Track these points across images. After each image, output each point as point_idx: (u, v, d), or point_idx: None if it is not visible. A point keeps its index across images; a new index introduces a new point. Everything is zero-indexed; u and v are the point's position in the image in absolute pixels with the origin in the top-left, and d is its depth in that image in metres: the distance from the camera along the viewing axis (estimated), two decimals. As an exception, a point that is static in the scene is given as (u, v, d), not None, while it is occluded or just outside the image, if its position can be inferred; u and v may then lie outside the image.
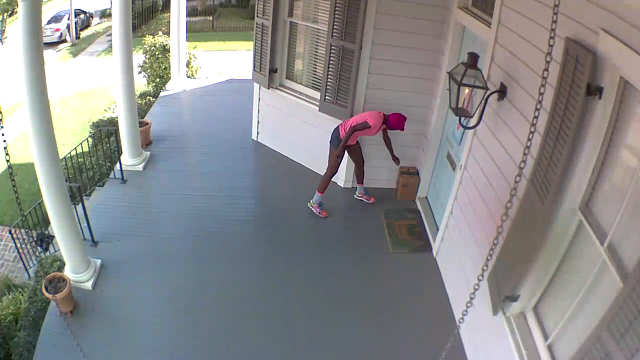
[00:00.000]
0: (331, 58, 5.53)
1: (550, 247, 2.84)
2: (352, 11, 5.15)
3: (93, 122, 9.20)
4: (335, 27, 5.35)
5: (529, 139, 2.00)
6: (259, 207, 6.04)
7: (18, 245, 6.58)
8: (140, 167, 6.33)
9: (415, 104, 5.53)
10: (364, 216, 5.72)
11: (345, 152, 5.49)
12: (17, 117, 11.49)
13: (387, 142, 5.45)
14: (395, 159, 5.55)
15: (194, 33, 16.14)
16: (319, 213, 5.63)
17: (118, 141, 6.27)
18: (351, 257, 5.12)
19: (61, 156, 5.28)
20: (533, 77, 3.13)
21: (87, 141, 7.31)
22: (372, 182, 5.89)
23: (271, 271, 4.89)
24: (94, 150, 7.87)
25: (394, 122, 5.13)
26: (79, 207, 4.89)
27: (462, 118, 3.72)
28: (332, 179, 5.65)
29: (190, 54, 9.80)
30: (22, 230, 6.56)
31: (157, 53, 9.65)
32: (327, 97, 5.73)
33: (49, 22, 19.18)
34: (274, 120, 6.83)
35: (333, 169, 5.46)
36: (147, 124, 6.94)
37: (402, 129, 5.20)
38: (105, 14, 23.01)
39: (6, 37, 19.23)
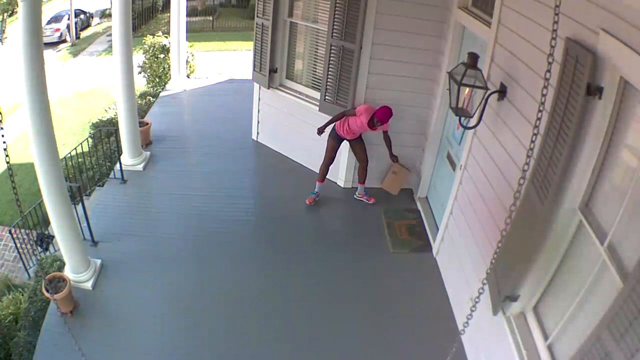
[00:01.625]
0: (331, 58, 5.53)
1: (550, 247, 2.84)
2: (352, 11, 5.15)
3: (93, 122, 9.19)
4: (335, 27, 5.35)
5: (532, 141, 1.99)
6: (259, 207, 6.05)
7: (18, 245, 6.59)
8: (140, 167, 6.33)
9: (415, 104, 5.54)
10: (364, 216, 5.72)
11: (350, 149, 5.62)
12: (17, 117, 11.49)
13: (387, 141, 5.44)
14: (393, 157, 5.55)
15: (193, 33, 16.11)
16: (310, 199, 5.78)
17: (118, 141, 6.27)
18: (351, 257, 5.12)
19: (61, 156, 5.28)
20: (533, 77, 3.13)
21: (87, 141, 7.31)
22: (372, 182, 5.89)
23: (271, 271, 4.90)
24: (94, 150, 7.86)
25: (379, 114, 5.03)
26: (79, 207, 4.89)
27: (462, 118, 3.72)
28: (333, 179, 5.66)
29: (187, 52, 9.80)
30: (22, 230, 6.56)
31: (157, 53, 9.64)
32: (327, 97, 5.73)
33: (49, 22, 19.15)
34: (274, 120, 6.82)
35: (328, 158, 5.61)
36: (147, 124, 6.94)
37: (385, 122, 5.08)
38: (105, 14, 22.98)
39: (6, 37, 19.22)
